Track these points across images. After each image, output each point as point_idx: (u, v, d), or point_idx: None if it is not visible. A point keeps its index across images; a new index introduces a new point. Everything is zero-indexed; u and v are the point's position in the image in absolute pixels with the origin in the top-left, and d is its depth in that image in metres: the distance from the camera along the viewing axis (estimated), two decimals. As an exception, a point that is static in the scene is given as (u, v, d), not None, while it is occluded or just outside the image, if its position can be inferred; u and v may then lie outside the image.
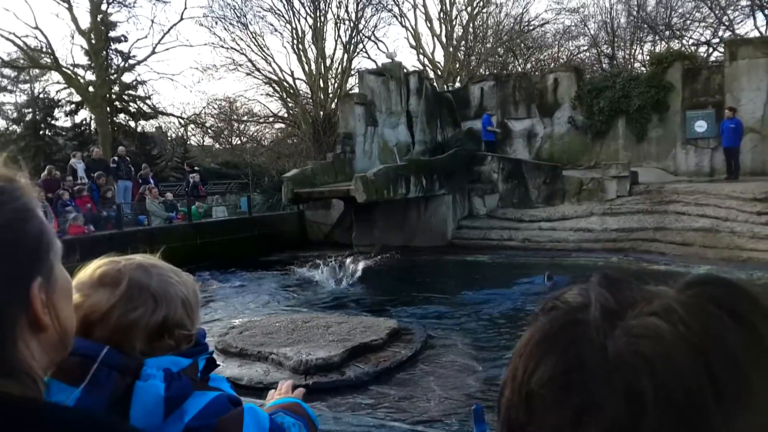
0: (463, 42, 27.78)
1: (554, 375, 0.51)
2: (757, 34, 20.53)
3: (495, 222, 16.30)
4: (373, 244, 16.02)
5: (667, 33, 23.90)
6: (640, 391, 0.48)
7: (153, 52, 28.00)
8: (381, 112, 19.24)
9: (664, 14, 24.12)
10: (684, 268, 12.42)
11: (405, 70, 20.38)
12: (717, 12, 22.88)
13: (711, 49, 22.81)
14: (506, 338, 8.16)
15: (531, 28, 27.47)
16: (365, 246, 15.98)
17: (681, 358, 0.49)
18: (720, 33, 22.83)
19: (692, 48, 22.70)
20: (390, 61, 20.69)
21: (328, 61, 26.45)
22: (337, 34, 27.11)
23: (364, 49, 27.46)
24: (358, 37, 26.89)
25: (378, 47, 30.02)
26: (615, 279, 0.56)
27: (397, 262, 14.34)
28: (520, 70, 25.09)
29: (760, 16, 22.22)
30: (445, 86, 25.37)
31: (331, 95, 26.21)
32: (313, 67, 26.33)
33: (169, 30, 27.97)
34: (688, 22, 23.84)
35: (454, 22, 27.76)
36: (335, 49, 26.83)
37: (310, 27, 26.38)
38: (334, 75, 26.49)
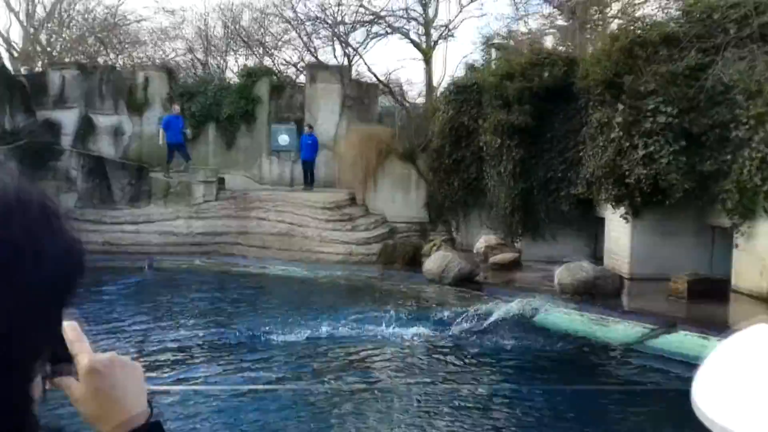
0: (47, 24, 24.81)
1: None
2: (335, 63, 23.10)
3: (72, 223, 14.71)
4: None
5: (260, 50, 25.27)
6: None
7: None
8: (-73, 87, 15.78)
9: (258, 32, 25.46)
10: (261, 269, 13.08)
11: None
12: (303, 37, 25.12)
13: (297, 71, 24.88)
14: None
15: (126, 22, 26.07)
16: None
17: None
18: (306, 57, 25.08)
19: (281, 67, 24.44)
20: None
21: None
22: None
23: None
24: None
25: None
26: None
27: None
28: (111, 62, 23.47)
29: (338, 47, 25.08)
30: (22, 69, 22.21)
31: None
32: None
33: None
34: (279, 42, 25.62)
35: (36, 1, 24.58)
36: None
37: None
38: None
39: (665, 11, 13.63)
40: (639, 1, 16.09)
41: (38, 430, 0.65)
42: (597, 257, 12.94)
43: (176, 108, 16.61)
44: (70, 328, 0.78)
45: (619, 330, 8.96)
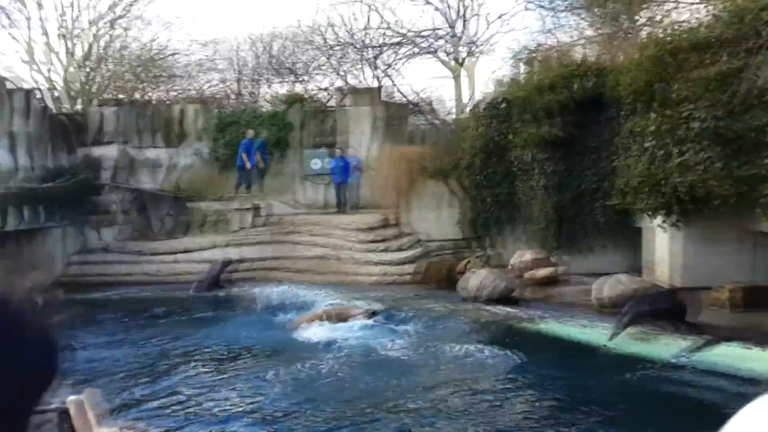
0: (87, 63, 25.66)
1: None
2: (365, 85, 23.30)
3: (113, 256, 15.12)
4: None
5: (291, 77, 25.65)
6: None
7: None
8: (-25, 131, 16.49)
9: (288, 60, 25.87)
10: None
11: (8, 86, 17.84)
12: (333, 62, 25.43)
13: (328, 95, 25.16)
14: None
15: (161, 57, 26.77)
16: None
17: None
18: (336, 82, 25.35)
19: (312, 92, 24.75)
20: (-11, 73, 17.95)
21: None
22: None
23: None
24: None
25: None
26: None
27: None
28: (147, 97, 24.13)
29: (368, 69, 25.32)
30: (62, 108, 22.98)
31: None
32: None
33: None
34: (310, 69, 25.97)
35: (75, 41, 25.46)
36: None
37: None
38: None
39: (695, 17, 13.39)
40: (668, 7, 15.88)
41: None
42: (637, 269, 12.65)
43: (249, 133, 17.49)
44: (76, 404, 0.88)
45: (661, 344, 8.72)
